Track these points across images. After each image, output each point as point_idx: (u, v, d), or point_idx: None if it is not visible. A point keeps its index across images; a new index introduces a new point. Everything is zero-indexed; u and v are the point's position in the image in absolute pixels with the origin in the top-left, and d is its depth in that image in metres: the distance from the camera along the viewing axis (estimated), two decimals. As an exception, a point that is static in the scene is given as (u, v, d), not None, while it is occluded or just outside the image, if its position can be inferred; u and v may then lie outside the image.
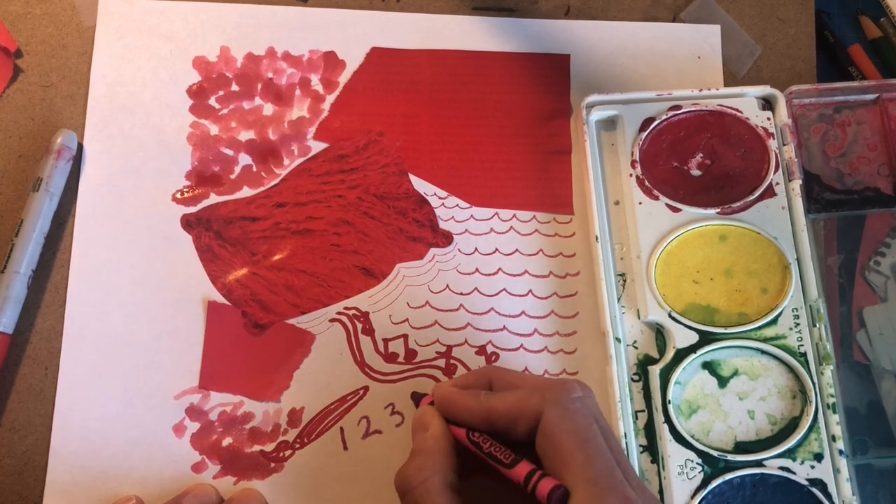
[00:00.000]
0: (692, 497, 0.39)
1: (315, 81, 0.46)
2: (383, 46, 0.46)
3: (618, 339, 0.41)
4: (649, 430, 0.41)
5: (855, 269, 0.43)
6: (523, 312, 0.43)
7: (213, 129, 0.45)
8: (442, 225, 0.44)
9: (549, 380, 0.33)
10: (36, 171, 0.43)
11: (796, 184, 0.43)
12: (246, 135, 0.45)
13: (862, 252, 0.43)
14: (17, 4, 0.45)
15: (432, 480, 0.31)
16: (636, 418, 0.41)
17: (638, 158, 0.43)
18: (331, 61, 0.46)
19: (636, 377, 0.41)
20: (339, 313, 0.43)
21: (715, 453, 0.39)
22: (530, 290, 0.44)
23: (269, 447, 0.41)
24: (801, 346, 0.41)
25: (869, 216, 0.43)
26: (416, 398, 0.40)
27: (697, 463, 0.39)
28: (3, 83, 0.45)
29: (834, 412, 0.40)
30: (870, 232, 0.43)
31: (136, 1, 0.46)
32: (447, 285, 0.43)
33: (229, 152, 0.45)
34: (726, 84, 0.47)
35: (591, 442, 0.29)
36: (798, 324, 0.41)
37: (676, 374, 0.40)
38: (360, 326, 0.43)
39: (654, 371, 0.41)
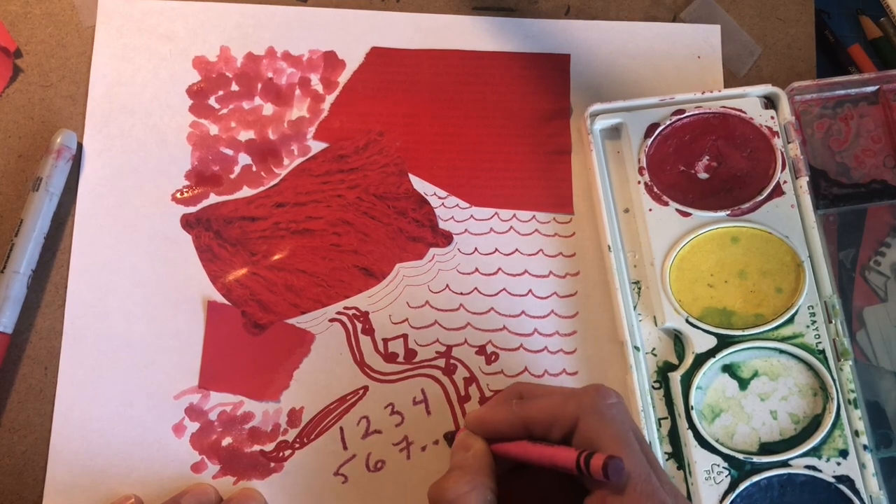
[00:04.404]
0: (721, 501, 0.38)
1: (315, 81, 0.44)
2: (383, 46, 0.45)
3: (636, 348, 0.40)
4: (673, 437, 0.40)
5: (855, 268, 0.42)
6: (523, 312, 0.42)
7: (213, 129, 0.43)
8: (442, 225, 0.43)
9: (581, 388, 0.32)
10: (36, 171, 0.41)
11: (803, 181, 0.42)
12: (246, 135, 0.43)
13: (862, 250, 0.42)
14: (16, 4, 0.44)
15: (471, 496, 0.29)
16: (659, 426, 0.40)
17: (645, 165, 0.42)
18: (331, 61, 0.44)
19: (657, 385, 0.40)
20: (338, 313, 0.42)
21: (741, 456, 0.38)
22: (530, 290, 0.42)
23: (269, 447, 0.40)
24: (819, 343, 0.40)
25: (870, 211, 0.42)
26: (450, 437, 0.40)
27: (724, 467, 0.38)
28: (2, 83, 0.43)
29: (855, 407, 0.39)
30: (870, 231, 0.42)
31: (136, 1, 0.44)
32: (447, 285, 0.42)
33: (229, 152, 0.43)
34: (726, 84, 0.45)
35: (628, 448, 0.28)
36: (814, 321, 0.40)
37: (697, 379, 0.39)
38: (359, 326, 0.41)
39: (675, 377, 0.40)
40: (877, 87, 0.44)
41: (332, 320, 0.41)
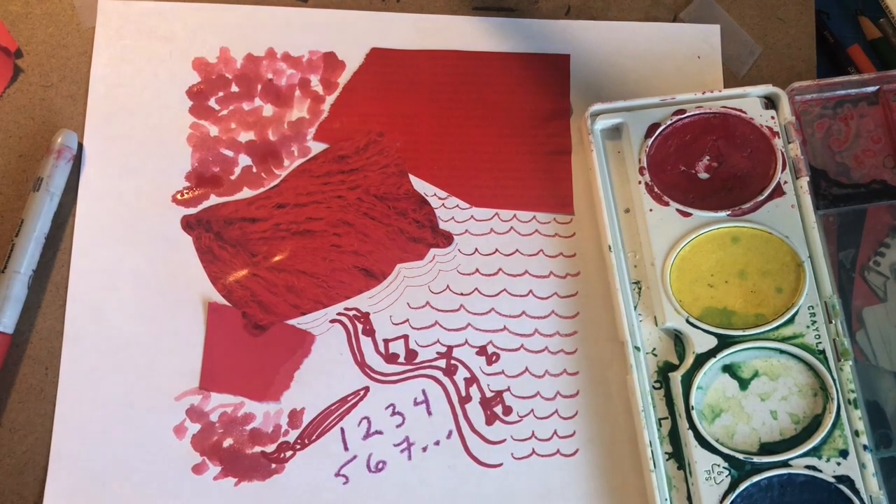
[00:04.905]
0: (721, 501, 0.38)
1: (315, 82, 0.44)
2: (383, 47, 0.44)
3: (637, 348, 0.40)
4: (674, 437, 0.40)
5: (855, 268, 0.42)
6: (524, 313, 0.42)
7: (213, 131, 0.43)
8: (442, 225, 0.43)
9: None
10: (36, 171, 0.41)
11: (804, 181, 0.41)
12: (246, 136, 0.43)
13: (862, 251, 0.42)
14: (17, 4, 0.44)
15: None
16: (660, 426, 0.40)
17: (645, 165, 0.41)
18: (330, 62, 0.44)
19: (657, 385, 0.40)
20: (339, 314, 0.41)
21: (741, 456, 0.38)
22: (531, 291, 0.42)
23: (270, 448, 0.40)
24: (819, 343, 0.40)
25: (869, 211, 0.42)
26: None
27: (724, 467, 0.38)
28: (3, 83, 0.43)
29: (855, 407, 0.39)
30: (870, 231, 0.42)
31: (135, 2, 0.44)
32: (447, 286, 0.42)
33: (229, 153, 0.43)
34: (726, 84, 0.45)
35: None
36: (815, 321, 0.40)
37: (698, 379, 0.39)
38: (360, 327, 0.41)
39: (676, 377, 0.39)
40: (877, 87, 0.43)
41: (332, 321, 0.41)
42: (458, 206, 0.43)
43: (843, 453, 0.38)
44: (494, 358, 0.41)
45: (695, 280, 0.40)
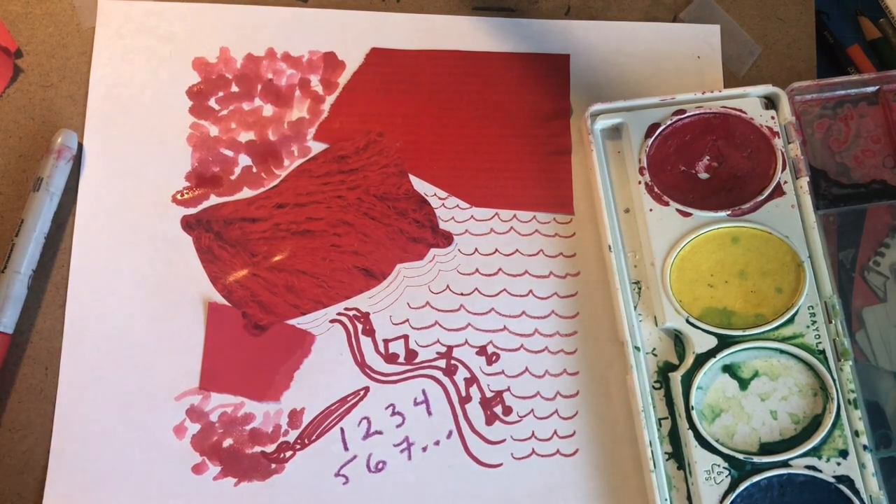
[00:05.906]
0: (721, 501, 0.38)
1: (315, 82, 0.44)
2: (383, 47, 0.44)
3: (637, 348, 0.40)
4: (674, 437, 0.40)
5: (855, 268, 0.42)
6: (524, 313, 0.42)
7: (213, 130, 0.43)
8: (442, 225, 0.43)
9: None
10: (36, 171, 0.41)
11: (804, 181, 0.41)
12: (246, 136, 0.43)
13: (862, 251, 0.42)
14: (17, 4, 0.44)
15: None
16: (660, 426, 0.40)
17: (645, 165, 0.41)
18: (330, 62, 0.44)
19: (657, 385, 0.40)
20: (339, 314, 0.41)
21: (741, 456, 0.38)
22: (531, 291, 0.42)
23: (270, 448, 0.40)
24: (819, 343, 0.40)
25: (869, 211, 0.42)
26: None
27: (724, 467, 0.38)
28: (3, 83, 0.43)
29: (855, 408, 0.39)
30: (870, 231, 0.42)
31: (136, 2, 0.44)
32: (447, 286, 0.42)
33: (229, 153, 0.43)
34: (726, 84, 0.45)
35: None
36: (815, 321, 0.40)
37: (698, 380, 0.39)
38: (360, 327, 0.41)
39: (676, 378, 0.39)
40: (877, 87, 0.43)
41: (332, 321, 0.41)
42: (458, 206, 0.43)
43: (843, 453, 0.38)
44: (494, 358, 0.41)
45: (695, 280, 0.40)
